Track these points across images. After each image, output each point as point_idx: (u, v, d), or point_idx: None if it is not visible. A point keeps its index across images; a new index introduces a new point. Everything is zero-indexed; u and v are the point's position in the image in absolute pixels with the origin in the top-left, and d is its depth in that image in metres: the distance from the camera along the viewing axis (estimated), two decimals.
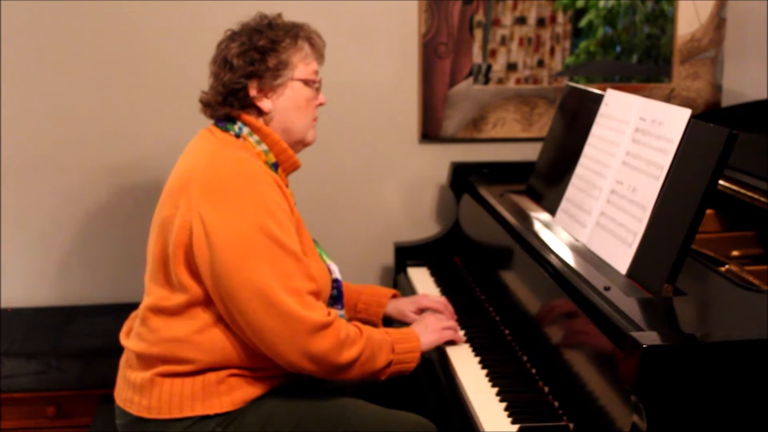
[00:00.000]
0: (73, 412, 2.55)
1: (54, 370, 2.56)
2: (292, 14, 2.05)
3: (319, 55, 2.01)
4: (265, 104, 1.94)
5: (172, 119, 2.88)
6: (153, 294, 1.91)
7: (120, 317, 2.53)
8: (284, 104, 1.96)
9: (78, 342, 2.67)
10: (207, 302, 1.85)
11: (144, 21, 2.82)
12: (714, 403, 1.42)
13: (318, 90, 2.02)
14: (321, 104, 2.04)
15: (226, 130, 1.95)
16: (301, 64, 1.96)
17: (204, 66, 2.79)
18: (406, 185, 3.02)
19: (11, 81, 2.82)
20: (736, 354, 1.42)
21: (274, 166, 1.96)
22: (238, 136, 1.94)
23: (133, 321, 2.03)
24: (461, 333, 2.11)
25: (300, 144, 2.03)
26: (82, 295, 2.96)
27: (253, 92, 1.93)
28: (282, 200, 1.87)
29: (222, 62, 1.94)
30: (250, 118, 1.95)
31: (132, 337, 1.96)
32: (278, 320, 1.77)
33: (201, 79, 2.81)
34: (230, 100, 1.94)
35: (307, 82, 1.97)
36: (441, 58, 2.92)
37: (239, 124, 1.95)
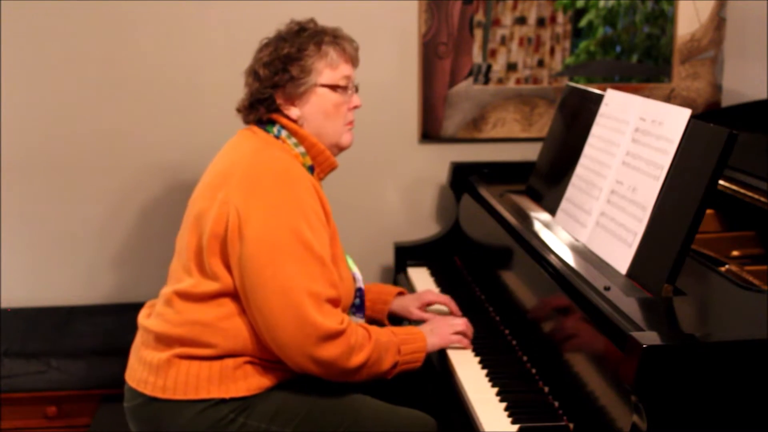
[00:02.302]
0: (73, 412, 2.55)
1: (54, 370, 2.56)
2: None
3: (349, 57, 2.04)
4: (292, 112, 1.98)
5: (176, 120, 2.88)
6: (183, 281, 1.93)
7: (120, 317, 2.54)
8: (311, 111, 1.99)
9: (78, 342, 2.67)
10: (236, 292, 1.88)
11: (147, 20, 2.82)
12: (714, 403, 1.42)
13: (351, 93, 2.04)
14: (356, 107, 2.07)
15: (267, 131, 1.99)
16: (326, 70, 1.98)
17: (212, 67, 2.82)
18: (406, 185, 3.02)
19: (12, 80, 2.82)
20: (736, 354, 1.42)
21: (311, 169, 1.99)
22: (277, 137, 1.98)
23: (151, 308, 2.05)
24: (468, 341, 2.08)
25: (335, 147, 2.05)
26: (82, 295, 2.96)
27: (279, 101, 1.98)
28: (318, 206, 1.90)
29: (252, 72, 2.01)
30: (284, 120, 1.99)
31: (153, 317, 1.97)
32: (293, 322, 1.79)
33: (206, 82, 2.84)
34: (257, 107, 1.99)
35: (333, 87, 1.99)
36: (441, 58, 2.92)
37: (278, 126, 1.99)
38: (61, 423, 2.56)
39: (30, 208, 2.90)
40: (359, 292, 2.08)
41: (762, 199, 2.11)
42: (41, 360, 2.59)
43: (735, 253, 2.15)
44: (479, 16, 2.91)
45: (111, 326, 2.72)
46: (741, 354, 1.42)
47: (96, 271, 2.96)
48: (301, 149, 1.99)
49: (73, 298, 2.96)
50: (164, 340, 1.91)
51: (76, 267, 2.95)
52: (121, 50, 2.83)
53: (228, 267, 1.87)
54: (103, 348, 2.62)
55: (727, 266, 1.97)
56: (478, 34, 2.92)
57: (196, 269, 1.91)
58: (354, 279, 2.07)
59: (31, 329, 2.76)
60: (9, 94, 2.82)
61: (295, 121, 1.99)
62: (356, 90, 2.08)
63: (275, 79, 1.95)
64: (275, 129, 1.99)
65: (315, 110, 1.99)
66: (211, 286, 1.88)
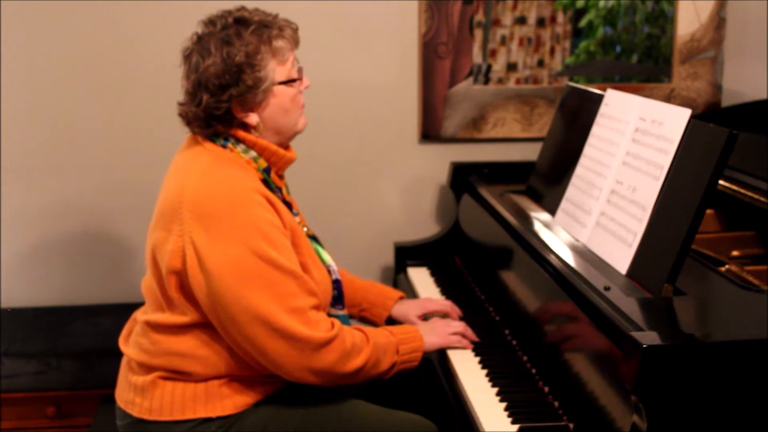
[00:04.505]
0: (73, 412, 2.55)
1: (54, 370, 2.56)
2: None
3: (294, 43, 1.91)
4: (251, 119, 1.87)
5: (175, 121, 2.88)
6: (155, 312, 1.90)
7: (120, 317, 2.53)
8: (271, 113, 1.89)
9: (78, 342, 2.67)
10: (207, 323, 1.83)
11: (148, 22, 2.82)
12: (714, 403, 1.42)
13: (301, 78, 1.94)
14: (306, 87, 1.96)
15: (213, 141, 1.89)
16: (278, 67, 1.87)
17: None
18: (406, 185, 3.02)
19: (12, 81, 2.82)
20: (736, 354, 1.42)
21: (267, 171, 1.91)
22: (224, 147, 1.88)
23: (132, 324, 2.02)
24: (467, 341, 2.08)
25: (293, 136, 1.97)
26: (82, 295, 2.96)
27: (238, 114, 1.86)
28: (274, 217, 1.82)
29: (197, 84, 1.84)
30: (236, 131, 1.89)
31: (132, 345, 1.95)
32: (282, 342, 1.76)
33: None
34: (214, 124, 1.87)
35: (288, 82, 1.89)
36: (441, 58, 2.92)
37: (224, 134, 1.89)
38: (61, 423, 2.56)
39: (30, 208, 2.90)
40: (336, 284, 2.01)
41: (762, 199, 2.11)
42: (41, 360, 2.59)
43: (735, 253, 2.14)
44: (479, 16, 2.91)
45: (111, 326, 2.72)
46: (741, 354, 1.42)
47: (96, 271, 2.96)
48: (253, 153, 1.89)
49: (73, 298, 2.96)
50: (145, 367, 1.89)
51: (76, 267, 2.95)
52: (123, 51, 2.83)
53: (191, 300, 1.81)
54: (103, 348, 2.61)
55: (727, 266, 1.97)
56: (478, 34, 2.92)
57: (164, 302, 1.87)
58: (329, 272, 2.00)
59: (31, 329, 2.76)
60: (9, 94, 2.82)
61: (254, 128, 1.88)
62: (301, 70, 1.95)
63: (230, 92, 1.81)
64: (221, 139, 1.89)
65: (275, 111, 1.88)
66: (180, 319, 1.84)
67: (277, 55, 1.86)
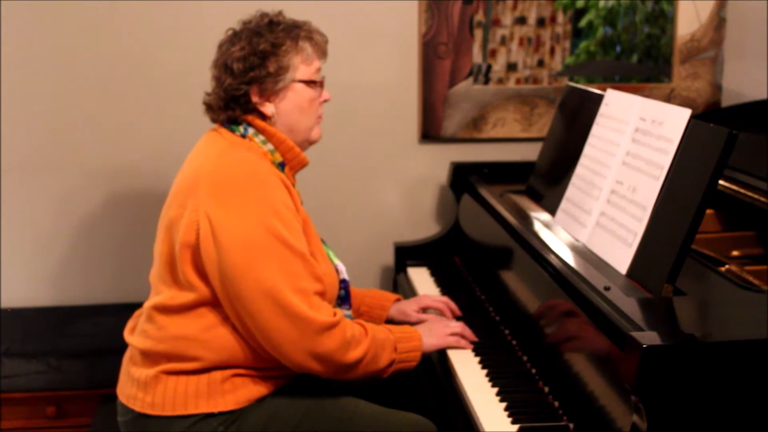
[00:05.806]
0: (73, 412, 2.55)
1: (54, 370, 2.56)
2: (292, 15, 2.05)
3: (322, 52, 2.01)
4: (267, 108, 1.94)
5: (173, 120, 2.88)
6: (161, 293, 1.91)
7: (120, 317, 2.54)
8: (287, 107, 1.96)
9: (78, 342, 2.67)
10: (214, 302, 1.85)
11: (146, 21, 2.82)
12: (714, 403, 1.42)
13: (321, 87, 2.02)
14: (325, 101, 2.04)
15: (232, 131, 1.96)
16: (302, 66, 1.95)
17: (205, 68, 2.81)
18: (406, 185, 3.03)
19: (11, 81, 2.82)
20: (736, 354, 1.42)
21: (281, 166, 1.96)
22: (243, 136, 1.95)
23: (137, 319, 2.03)
24: (466, 341, 2.08)
25: (306, 142, 2.03)
26: (82, 295, 2.96)
27: (255, 98, 1.93)
28: (288, 200, 1.87)
29: (223, 67, 1.94)
30: (254, 119, 1.95)
31: (137, 334, 1.96)
32: (285, 321, 1.78)
33: (203, 81, 2.82)
34: (232, 106, 1.94)
35: (309, 83, 1.97)
36: (441, 58, 2.92)
37: (244, 124, 1.96)
38: (61, 423, 2.56)
39: (30, 208, 2.90)
40: (343, 284, 2.04)
41: (762, 199, 2.11)
42: (41, 360, 2.59)
43: (735, 253, 2.15)
44: (479, 16, 2.91)
45: (111, 326, 2.72)
46: (741, 354, 1.42)
47: (96, 271, 2.96)
48: (270, 146, 1.95)
49: (73, 298, 2.96)
50: (150, 357, 1.90)
51: (76, 267, 2.95)
52: (124, 50, 2.83)
53: (202, 276, 1.84)
54: (103, 348, 2.61)
55: (727, 266, 1.97)
56: (478, 34, 2.92)
57: (171, 280, 1.89)
58: (336, 271, 2.03)
59: (31, 329, 2.76)
60: (9, 95, 2.82)
61: (269, 118, 1.95)
62: (323, 81, 2.04)
63: (251, 75, 1.91)
64: (241, 128, 1.95)
65: (291, 106, 1.96)
66: (187, 297, 1.86)
67: (301, 53, 1.95)
